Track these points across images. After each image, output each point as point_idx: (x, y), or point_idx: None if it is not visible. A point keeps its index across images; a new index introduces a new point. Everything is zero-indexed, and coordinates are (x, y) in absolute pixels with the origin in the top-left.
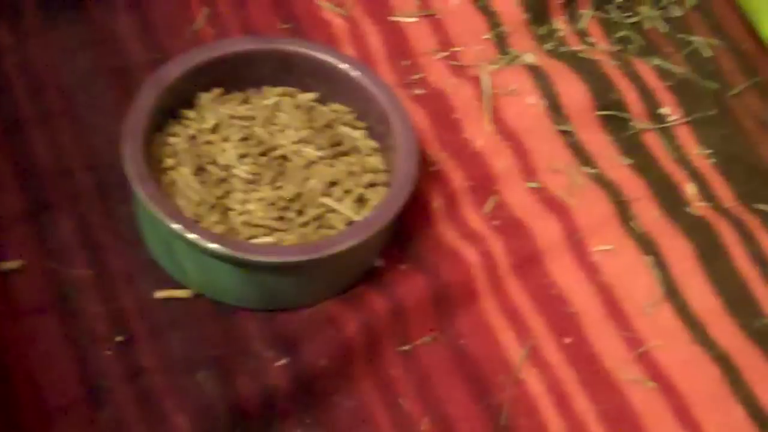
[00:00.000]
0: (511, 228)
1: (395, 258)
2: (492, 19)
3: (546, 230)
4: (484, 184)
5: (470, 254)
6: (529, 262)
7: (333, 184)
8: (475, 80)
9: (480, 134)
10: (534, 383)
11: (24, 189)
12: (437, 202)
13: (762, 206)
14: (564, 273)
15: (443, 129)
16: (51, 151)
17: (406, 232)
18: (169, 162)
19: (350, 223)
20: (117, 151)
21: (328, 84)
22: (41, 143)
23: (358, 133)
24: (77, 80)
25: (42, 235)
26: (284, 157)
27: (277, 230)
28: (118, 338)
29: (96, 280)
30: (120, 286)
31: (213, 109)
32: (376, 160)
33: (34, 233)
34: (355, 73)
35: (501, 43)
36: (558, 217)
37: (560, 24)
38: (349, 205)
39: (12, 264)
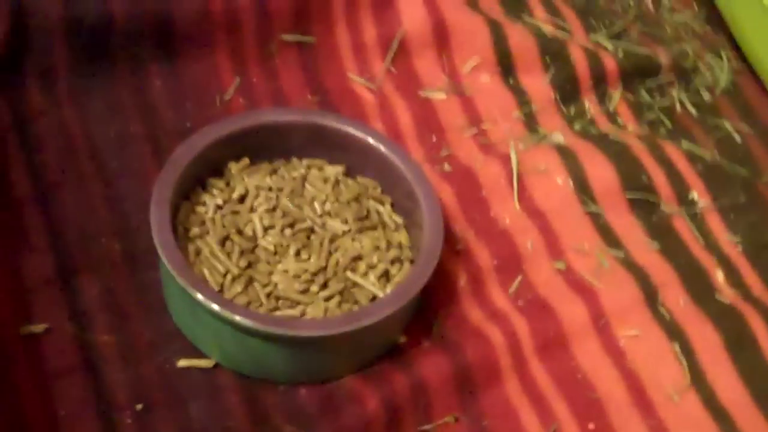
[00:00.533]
0: (537, 309)
1: (419, 335)
2: (521, 97)
3: (572, 312)
4: (510, 264)
5: (495, 334)
6: (554, 344)
7: (358, 258)
8: (504, 158)
9: (507, 213)
10: None
11: (53, 252)
12: (462, 280)
13: None
14: (589, 357)
15: (470, 206)
16: (80, 215)
17: (430, 309)
18: (196, 231)
19: (374, 298)
20: (145, 218)
21: (356, 157)
22: (71, 207)
23: (384, 208)
24: (108, 145)
25: (68, 299)
26: (310, 230)
27: (300, 303)
28: (138, 406)
29: (119, 346)
30: (142, 353)
31: (241, 179)
32: (401, 236)
33: (61, 297)
34: (383, 148)
35: (530, 121)
36: (584, 300)
37: (590, 104)
38: (373, 280)
39: (37, 327)
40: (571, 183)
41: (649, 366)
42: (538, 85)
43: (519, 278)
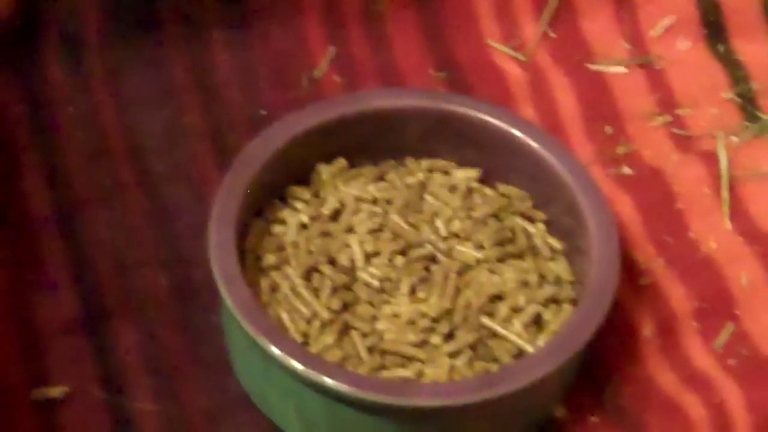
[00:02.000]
0: (757, 371)
1: (584, 407)
2: (736, 70)
3: None
4: (717, 307)
5: (695, 407)
6: None
7: (498, 298)
8: (709, 157)
9: (713, 234)
10: None
11: (77, 289)
12: (648, 330)
13: None
14: None
15: (660, 225)
16: (114, 239)
17: (600, 370)
18: (272, 259)
19: (520, 354)
20: (201, 243)
21: (497, 158)
22: (102, 228)
23: (536, 228)
24: (154, 143)
25: (97, 352)
26: (431, 259)
27: (416, 360)
28: None
29: (166, 418)
30: (198, 428)
31: (335, 187)
32: (559, 267)
33: (87, 350)
34: (535, 144)
35: (748, 105)
36: None
37: None
38: (519, 328)
39: (54, 391)
40: None
41: None
42: (760, 53)
43: (730, 327)
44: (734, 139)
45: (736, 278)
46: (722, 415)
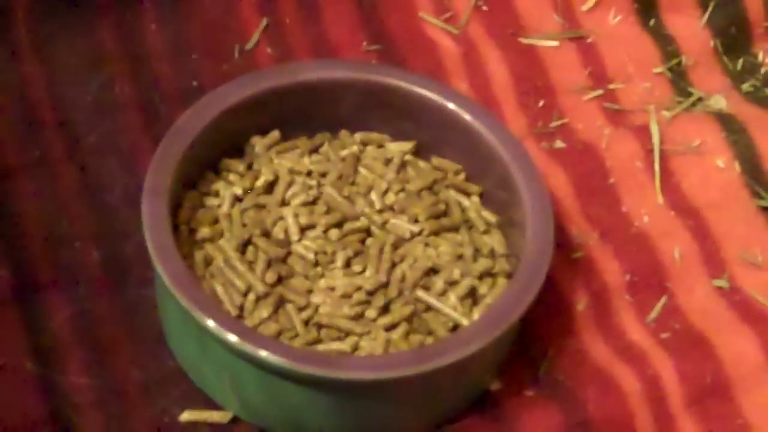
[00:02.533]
0: (688, 344)
1: (519, 380)
2: (667, 45)
3: (738, 349)
4: (649, 280)
5: (628, 379)
6: (712, 394)
7: (433, 271)
8: (641, 131)
9: (646, 208)
10: None
11: (7, 262)
12: (582, 303)
13: None
14: (763, 412)
15: (593, 199)
16: (44, 212)
17: (535, 344)
18: (206, 232)
19: (455, 327)
20: (135, 214)
21: (431, 131)
22: (31, 200)
23: (470, 201)
24: (84, 114)
25: (28, 326)
26: (366, 231)
27: (352, 333)
28: None
29: (100, 392)
30: (133, 402)
31: (269, 160)
32: (494, 240)
33: (18, 323)
34: (468, 117)
35: (679, 79)
36: (756, 331)
37: (765, 56)
38: (454, 302)
39: None
40: (737, 166)
41: None
42: (691, 27)
43: (662, 300)
44: (666, 113)
45: (669, 252)
46: (655, 388)
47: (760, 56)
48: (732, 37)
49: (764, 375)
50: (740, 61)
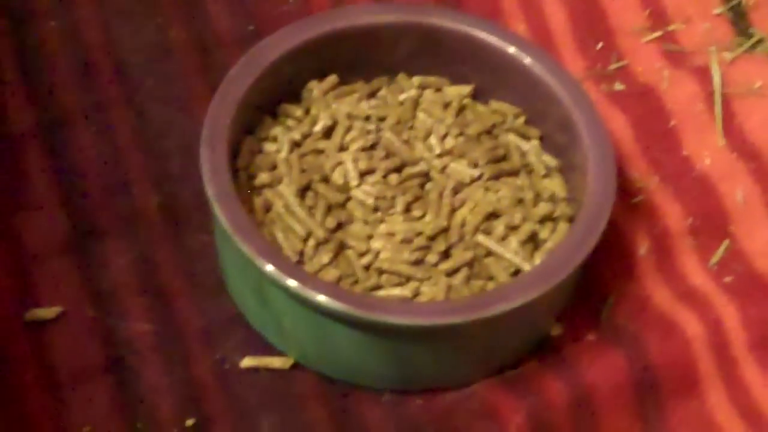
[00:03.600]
0: (752, 288)
1: (581, 325)
2: None
3: None
4: (712, 224)
5: (691, 324)
6: None
7: (493, 216)
8: (702, 73)
9: (708, 150)
10: None
11: (65, 209)
12: (644, 248)
13: None
14: None
15: (654, 142)
16: (101, 157)
17: (597, 289)
18: (265, 177)
19: (516, 272)
20: (193, 161)
21: (489, 74)
22: (88, 146)
23: (530, 145)
24: (140, 59)
25: (88, 273)
26: (425, 176)
27: (412, 279)
28: (189, 422)
29: (160, 338)
30: (193, 348)
31: (326, 104)
32: (554, 184)
33: (78, 270)
34: (527, 60)
35: (740, 20)
36: None
37: None
38: (515, 247)
39: (47, 312)
40: None
41: None
42: None
43: (725, 244)
44: (727, 54)
45: (731, 195)
46: (718, 332)
47: None
48: None
49: None
50: None
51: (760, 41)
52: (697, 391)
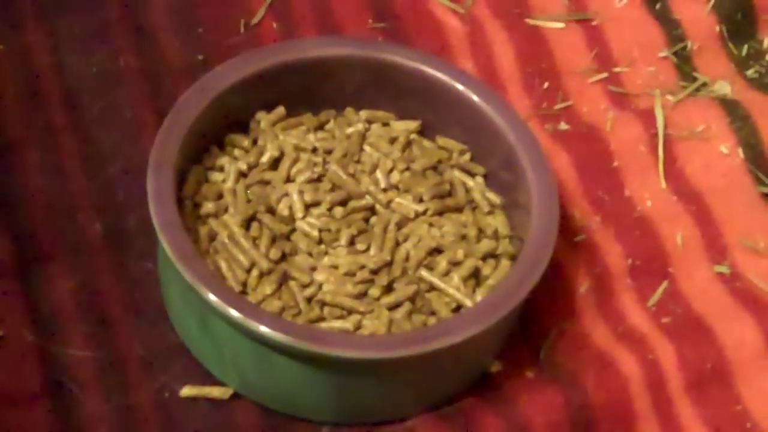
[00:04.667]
0: (689, 329)
1: (520, 362)
2: (673, 29)
3: (739, 335)
4: (651, 265)
5: (628, 363)
6: (712, 380)
7: (437, 251)
8: (646, 115)
9: (649, 192)
10: None
11: (8, 233)
12: (584, 287)
13: None
14: (762, 398)
15: (596, 183)
16: (47, 183)
17: (536, 326)
18: (210, 207)
19: (458, 308)
20: (139, 188)
21: (436, 110)
22: (34, 170)
23: (475, 182)
24: (88, 86)
25: (29, 297)
26: (370, 210)
27: (355, 312)
28: None
29: (100, 365)
30: (133, 376)
31: (274, 136)
32: (498, 221)
33: (19, 295)
34: (474, 97)
35: (684, 64)
36: (757, 318)
37: None
38: (457, 282)
39: None
40: (741, 152)
41: None
42: (696, 13)
43: (664, 285)
44: (670, 98)
45: (671, 237)
46: (655, 372)
47: (765, 42)
48: (737, 22)
49: (764, 361)
50: (745, 47)
51: (704, 85)
52: (632, 430)
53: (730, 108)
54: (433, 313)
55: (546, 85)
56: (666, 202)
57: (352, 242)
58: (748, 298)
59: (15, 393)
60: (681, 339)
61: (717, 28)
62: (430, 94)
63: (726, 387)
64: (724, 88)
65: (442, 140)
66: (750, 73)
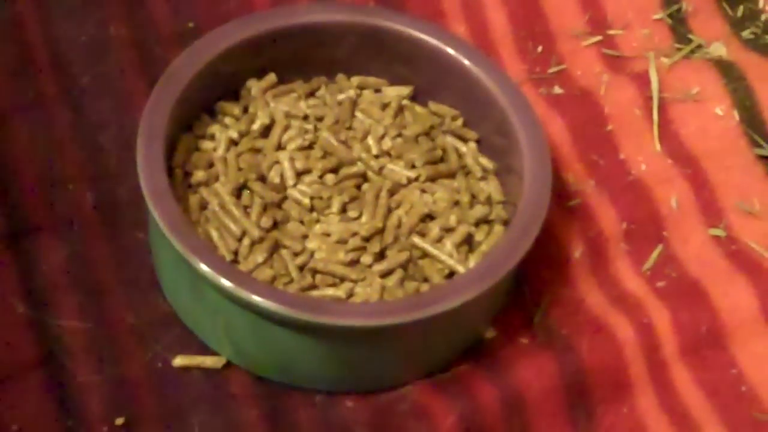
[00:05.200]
0: (684, 293)
1: (514, 328)
2: None
3: (734, 299)
4: (646, 228)
5: (623, 328)
6: (706, 344)
7: (429, 217)
8: (640, 78)
9: (643, 155)
10: None
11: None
12: (578, 252)
13: None
14: (757, 362)
15: (590, 146)
16: (38, 154)
17: (530, 292)
18: (201, 175)
19: (451, 274)
20: (129, 157)
21: (428, 75)
22: (25, 141)
23: (467, 147)
24: (78, 54)
25: (21, 269)
26: (362, 177)
27: (347, 280)
28: (119, 420)
29: (92, 336)
30: (125, 346)
31: (265, 103)
32: (491, 187)
33: (11, 266)
34: (466, 62)
35: (679, 26)
36: (752, 281)
37: (766, 2)
38: (450, 249)
39: None
40: (736, 115)
41: None
42: None
43: (659, 249)
44: (665, 60)
45: (666, 201)
46: (650, 336)
47: (761, 3)
48: None
49: (759, 325)
50: (740, 8)
51: (698, 47)
52: (627, 395)
53: (726, 70)
54: (425, 279)
55: (540, 48)
56: (661, 165)
57: (343, 209)
58: (744, 261)
59: (7, 364)
60: (676, 303)
61: None
62: (422, 59)
63: (721, 351)
64: (719, 49)
65: (434, 106)
66: (745, 34)
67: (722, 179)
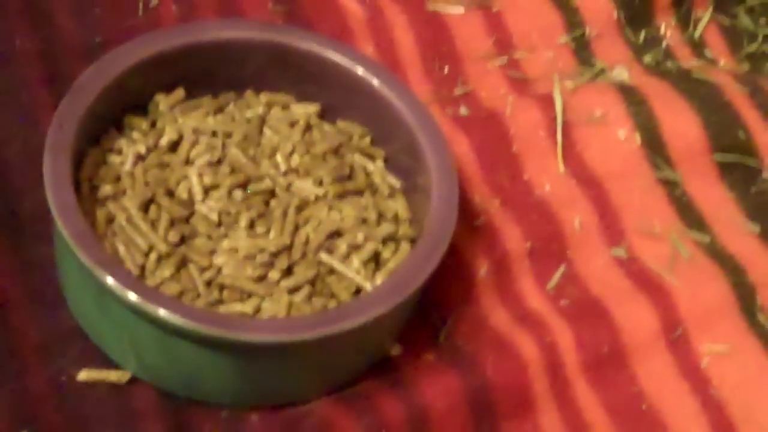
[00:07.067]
0: (586, 312)
1: (419, 345)
2: (572, 16)
3: (635, 318)
4: (550, 248)
5: (526, 346)
6: (608, 362)
7: (337, 234)
8: (545, 100)
9: (547, 177)
10: None
11: None
12: (483, 270)
13: None
14: (657, 380)
15: (496, 167)
16: None
17: (436, 309)
18: (108, 189)
19: (358, 291)
20: (35, 170)
21: (337, 93)
22: None
23: (375, 165)
24: None
25: None
26: (270, 193)
27: (254, 295)
28: None
29: None
30: (29, 360)
31: (173, 118)
32: (398, 205)
33: None
34: (375, 81)
35: (582, 50)
36: (653, 301)
37: (667, 28)
38: (357, 266)
39: None
40: (637, 138)
41: (741, 395)
42: None
43: (562, 269)
44: (569, 83)
45: (569, 221)
46: (553, 354)
47: (662, 29)
48: (635, 9)
49: (660, 343)
50: (642, 34)
51: (601, 71)
52: (531, 412)
53: (628, 94)
54: (333, 296)
55: (446, 69)
56: (564, 186)
57: (251, 225)
58: (644, 281)
59: None
60: (579, 322)
61: (615, 15)
62: (330, 77)
63: (622, 369)
64: (621, 73)
65: (342, 124)
66: (647, 59)
67: (624, 201)
